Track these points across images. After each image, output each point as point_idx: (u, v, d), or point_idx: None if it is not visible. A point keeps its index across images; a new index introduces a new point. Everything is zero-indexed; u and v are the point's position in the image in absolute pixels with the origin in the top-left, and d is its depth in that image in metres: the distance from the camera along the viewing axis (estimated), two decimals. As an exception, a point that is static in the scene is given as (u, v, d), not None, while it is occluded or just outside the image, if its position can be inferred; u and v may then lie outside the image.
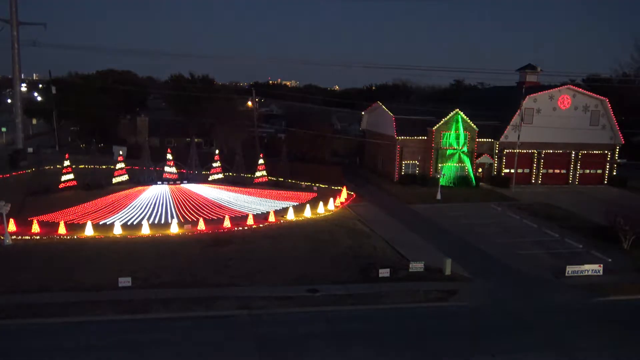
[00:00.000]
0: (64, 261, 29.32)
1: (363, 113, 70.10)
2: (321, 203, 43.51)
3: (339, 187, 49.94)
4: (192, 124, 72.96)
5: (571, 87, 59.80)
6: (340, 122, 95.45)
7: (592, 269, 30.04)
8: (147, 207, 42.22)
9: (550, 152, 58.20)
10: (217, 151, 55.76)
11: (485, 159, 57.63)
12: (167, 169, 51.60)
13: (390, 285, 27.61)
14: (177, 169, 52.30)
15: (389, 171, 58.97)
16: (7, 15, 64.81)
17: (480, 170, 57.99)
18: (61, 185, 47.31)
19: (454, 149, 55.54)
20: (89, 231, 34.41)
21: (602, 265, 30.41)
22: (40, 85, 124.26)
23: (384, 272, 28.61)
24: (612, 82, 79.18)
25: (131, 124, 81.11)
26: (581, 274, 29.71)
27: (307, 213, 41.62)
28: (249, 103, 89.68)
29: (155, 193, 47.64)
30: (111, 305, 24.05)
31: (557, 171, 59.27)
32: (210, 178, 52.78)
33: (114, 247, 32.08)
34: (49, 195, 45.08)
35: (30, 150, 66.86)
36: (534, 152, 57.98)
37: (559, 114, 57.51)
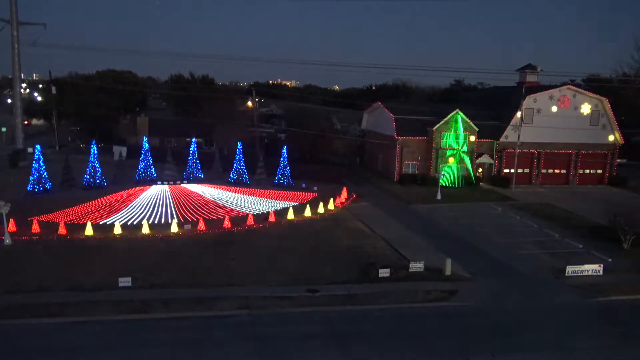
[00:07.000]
0: (64, 261, 29.33)
1: (363, 113, 70.15)
2: (321, 203, 43.51)
3: (339, 187, 49.91)
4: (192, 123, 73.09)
5: (571, 87, 59.84)
6: (340, 122, 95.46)
7: (592, 269, 30.04)
8: (147, 207, 42.23)
9: (550, 152, 58.18)
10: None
11: (485, 159, 57.62)
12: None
13: (390, 285, 27.60)
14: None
15: (389, 171, 58.96)
16: (7, 15, 64.99)
17: (480, 170, 57.97)
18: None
19: (454, 149, 55.52)
20: (89, 231, 34.42)
21: (602, 265, 30.41)
22: (40, 85, 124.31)
23: (384, 272, 28.60)
24: (612, 82, 79.19)
25: (131, 123, 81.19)
26: (581, 274, 29.73)
27: (307, 213, 41.63)
28: (249, 103, 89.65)
29: (155, 193, 47.66)
30: (111, 305, 24.05)
31: (557, 171, 59.28)
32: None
33: (114, 247, 32.09)
34: (49, 195, 45.05)
35: (29, 150, 66.91)
36: (534, 152, 57.99)
37: (559, 114, 57.54)
